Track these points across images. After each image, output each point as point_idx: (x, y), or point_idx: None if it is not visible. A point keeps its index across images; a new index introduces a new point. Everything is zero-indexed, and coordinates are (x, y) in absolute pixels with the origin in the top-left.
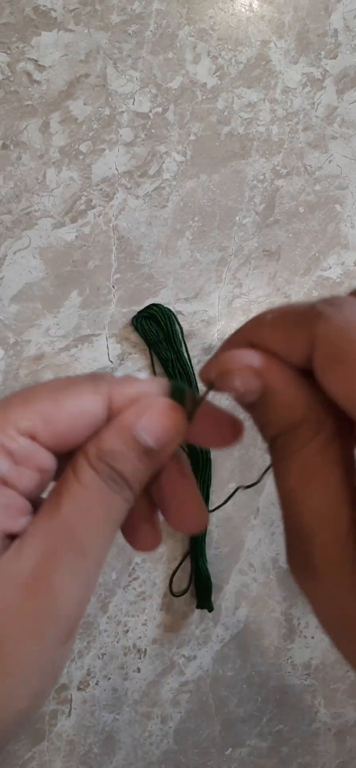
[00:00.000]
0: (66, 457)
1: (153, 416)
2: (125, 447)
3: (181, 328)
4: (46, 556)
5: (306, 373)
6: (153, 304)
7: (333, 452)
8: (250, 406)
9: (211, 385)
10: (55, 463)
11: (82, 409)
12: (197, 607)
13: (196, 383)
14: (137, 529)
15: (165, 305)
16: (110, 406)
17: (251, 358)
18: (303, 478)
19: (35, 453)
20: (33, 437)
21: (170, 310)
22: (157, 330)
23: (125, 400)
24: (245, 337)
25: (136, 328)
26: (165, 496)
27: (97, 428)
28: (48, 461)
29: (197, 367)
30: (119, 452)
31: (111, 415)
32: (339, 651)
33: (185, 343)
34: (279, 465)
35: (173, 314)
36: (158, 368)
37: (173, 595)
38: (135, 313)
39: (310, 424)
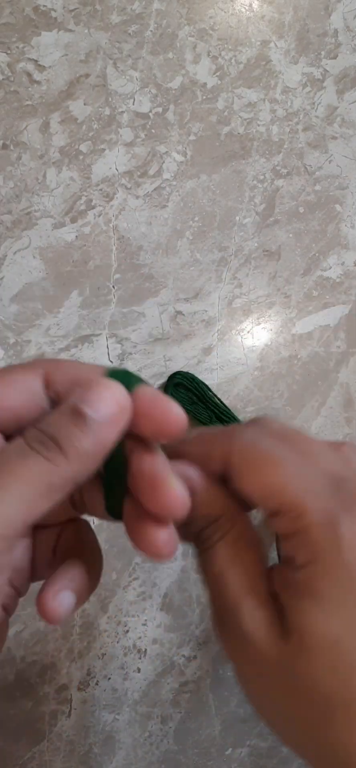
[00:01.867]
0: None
1: (90, 386)
2: (59, 415)
3: (205, 384)
4: None
5: (221, 479)
6: (176, 373)
7: (249, 538)
8: None
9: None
10: None
11: (17, 388)
12: None
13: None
14: (139, 527)
15: (165, 304)
16: (49, 383)
17: (178, 467)
18: (227, 562)
19: None
20: None
21: (190, 373)
22: (186, 394)
23: (64, 378)
24: (175, 449)
25: None
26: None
27: (36, 405)
28: None
29: (242, 415)
30: (52, 419)
31: (51, 395)
32: (262, 719)
33: (216, 395)
34: (205, 554)
35: (195, 376)
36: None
37: None
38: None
39: (227, 517)
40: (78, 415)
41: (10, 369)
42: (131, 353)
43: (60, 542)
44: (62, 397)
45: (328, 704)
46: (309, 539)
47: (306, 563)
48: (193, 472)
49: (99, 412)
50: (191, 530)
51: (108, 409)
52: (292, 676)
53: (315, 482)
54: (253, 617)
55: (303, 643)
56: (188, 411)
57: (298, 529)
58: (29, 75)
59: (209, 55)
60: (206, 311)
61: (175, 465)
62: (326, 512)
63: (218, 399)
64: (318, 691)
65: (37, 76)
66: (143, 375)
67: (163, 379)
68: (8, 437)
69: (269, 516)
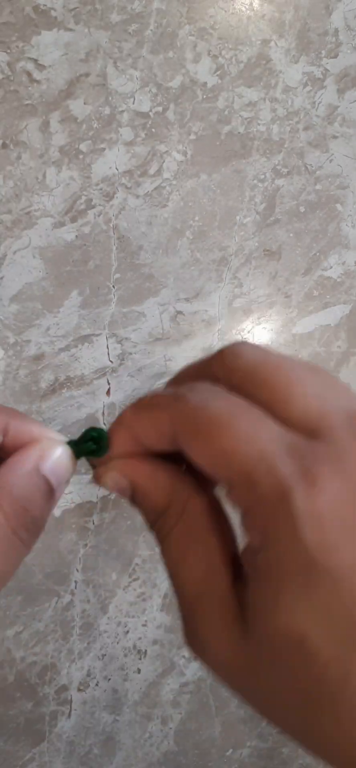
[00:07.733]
0: None
1: (58, 456)
2: (35, 488)
3: None
4: None
5: (173, 459)
6: None
7: (206, 523)
8: (131, 502)
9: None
10: None
11: None
12: None
13: None
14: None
15: (165, 304)
16: (6, 435)
17: (118, 463)
18: (178, 555)
19: None
20: None
21: None
22: None
23: (23, 434)
24: (126, 423)
25: None
26: None
27: None
28: None
29: None
30: (31, 495)
31: (7, 448)
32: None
33: None
34: (161, 546)
35: None
36: None
37: None
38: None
39: (175, 507)
40: (48, 493)
41: None
42: (131, 353)
43: None
44: (15, 445)
45: (302, 713)
46: (259, 517)
47: (259, 547)
48: (133, 465)
49: (59, 484)
50: (147, 521)
51: (66, 477)
52: (257, 686)
53: (274, 443)
54: (208, 622)
55: (262, 645)
56: None
57: (249, 504)
58: (29, 74)
59: (209, 54)
60: (206, 311)
61: (116, 461)
62: (278, 482)
63: None
64: (285, 704)
65: (37, 75)
66: (143, 375)
67: (163, 380)
68: None
69: (225, 491)
